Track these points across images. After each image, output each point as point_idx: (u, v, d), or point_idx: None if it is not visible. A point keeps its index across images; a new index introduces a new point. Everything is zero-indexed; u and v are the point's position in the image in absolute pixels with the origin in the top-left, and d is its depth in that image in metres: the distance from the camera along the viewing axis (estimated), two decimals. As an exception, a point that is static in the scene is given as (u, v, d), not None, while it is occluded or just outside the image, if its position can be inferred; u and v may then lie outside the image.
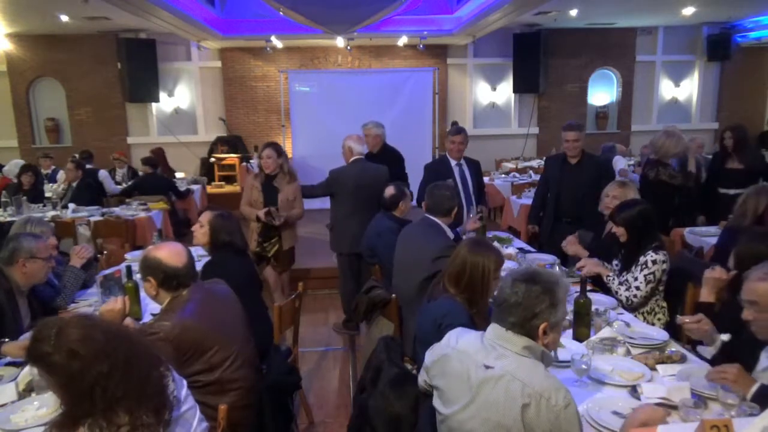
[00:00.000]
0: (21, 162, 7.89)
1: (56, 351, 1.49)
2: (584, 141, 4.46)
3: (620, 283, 3.08)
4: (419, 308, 2.59)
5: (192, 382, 2.10)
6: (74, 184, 6.66)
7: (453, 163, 4.68)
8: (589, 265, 3.23)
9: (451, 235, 3.37)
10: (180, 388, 1.73)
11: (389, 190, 4.19)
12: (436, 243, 3.12)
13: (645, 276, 3.00)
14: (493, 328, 1.80)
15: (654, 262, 2.99)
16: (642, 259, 3.03)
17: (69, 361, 1.49)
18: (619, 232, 3.13)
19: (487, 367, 1.71)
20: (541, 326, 1.73)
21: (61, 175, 7.39)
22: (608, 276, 3.15)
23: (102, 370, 1.50)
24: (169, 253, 2.29)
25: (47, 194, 6.88)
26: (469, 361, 1.77)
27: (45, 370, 1.54)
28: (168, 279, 2.26)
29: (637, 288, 3.01)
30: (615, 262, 3.32)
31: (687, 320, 2.32)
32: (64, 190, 6.71)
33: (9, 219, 5.49)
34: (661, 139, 4.90)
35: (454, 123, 10.18)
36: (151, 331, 2.12)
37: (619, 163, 6.46)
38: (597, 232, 3.97)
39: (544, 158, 5.08)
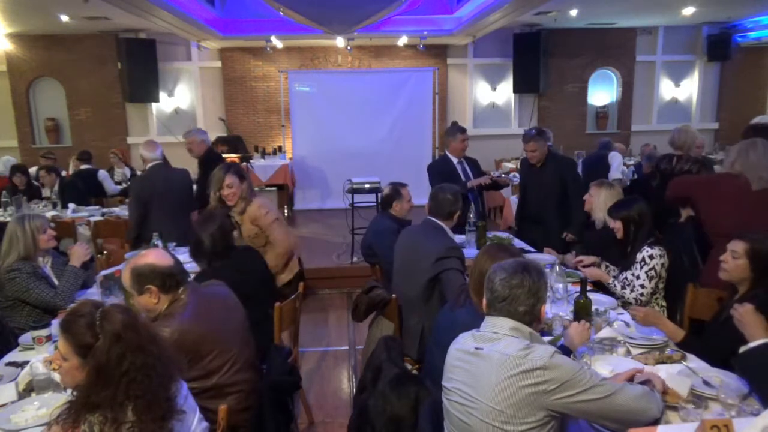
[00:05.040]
0: (10, 159, 7.87)
1: (101, 333, 1.52)
2: (544, 149, 4.51)
3: (623, 287, 3.08)
4: (441, 313, 2.58)
5: (189, 388, 2.11)
6: (56, 188, 6.65)
7: (455, 161, 4.72)
8: (589, 273, 3.24)
9: (453, 237, 3.35)
10: (181, 389, 1.74)
11: (386, 189, 4.19)
12: (437, 244, 3.11)
13: (647, 273, 3.02)
14: (486, 319, 1.90)
15: (651, 257, 3.03)
16: (639, 256, 3.06)
17: (112, 346, 1.52)
18: (616, 226, 3.20)
19: (477, 349, 1.82)
20: (542, 307, 1.88)
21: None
22: (609, 283, 3.17)
23: (137, 362, 1.53)
24: (155, 256, 2.27)
25: (45, 194, 6.87)
26: (464, 348, 1.88)
27: (74, 345, 1.56)
28: (166, 280, 2.22)
29: (642, 286, 3.02)
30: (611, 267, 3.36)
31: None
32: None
33: (9, 219, 5.49)
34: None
35: (455, 123, 10.18)
36: None
37: (616, 159, 6.46)
38: (559, 233, 4.34)
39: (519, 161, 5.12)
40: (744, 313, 2.13)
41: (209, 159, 5.33)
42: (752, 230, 2.93)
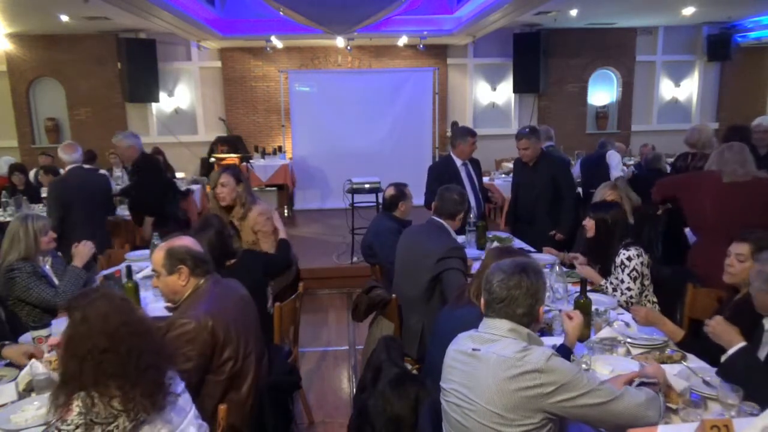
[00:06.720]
0: (10, 159, 7.86)
1: (78, 310, 1.70)
2: (537, 147, 4.52)
3: (614, 290, 3.10)
4: (442, 312, 2.58)
5: (221, 371, 2.21)
6: None
7: (459, 163, 4.69)
8: (584, 272, 3.24)
9: (456, 237, 3.34)
10: (177, 385, 1.80)
11: (389, 191, 4.17)
12: (440, 244, 3.11)
13: (629, 275, 3.04)
14: (484, 320, 1.89)
15: (629, 258, 3.05)
16: (617, 260, 3.08)
17: (79, 324, 1.68)
18: (589, 225, 3.23)
19: (474, 350, 1.82)
20: (540, 308, 1.86)
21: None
22: (601, 284, 3.18)
23: (99, 345, 1.65)
24: (190, 241, 2.40)
25: (44, 195, 6.86)
26: (462, 349, 1.87)
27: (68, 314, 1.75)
28: (198, 264, 2.32)
29: (628, 289, 3.05)
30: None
31: None
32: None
33: (9, 219, 5.48)
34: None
35: (455, 123, 10.18)
36: (182, 322, 2.15)
37: (614, 157, 6.45)
38: (547, 232, 4.35)
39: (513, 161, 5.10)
40: (715, 326, 2.18)
41: (142, 165, 5.06)
42: (729, 219, 3.16)
